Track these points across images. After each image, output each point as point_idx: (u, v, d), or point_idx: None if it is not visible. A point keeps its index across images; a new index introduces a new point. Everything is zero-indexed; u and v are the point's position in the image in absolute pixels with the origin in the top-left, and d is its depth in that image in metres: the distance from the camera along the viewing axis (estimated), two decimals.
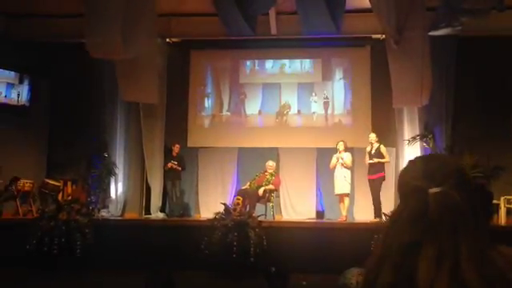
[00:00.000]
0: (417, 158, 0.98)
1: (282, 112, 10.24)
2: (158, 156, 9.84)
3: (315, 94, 10.20)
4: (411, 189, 0.91)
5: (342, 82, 10.23)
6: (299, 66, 10.37)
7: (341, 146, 8.43)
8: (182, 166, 9.47)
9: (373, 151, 8.42)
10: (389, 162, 8.42)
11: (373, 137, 8.57)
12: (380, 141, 8.53)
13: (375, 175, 8.29)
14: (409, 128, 9.38)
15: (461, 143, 9.00)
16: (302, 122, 10.20)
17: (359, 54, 10.19)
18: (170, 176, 9.50)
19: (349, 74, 10.21)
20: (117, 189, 9.86)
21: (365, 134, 9.61)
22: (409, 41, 8.01)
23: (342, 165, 8.30)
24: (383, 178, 8.25)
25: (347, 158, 8.37)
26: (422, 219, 0.87)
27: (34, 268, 6.33)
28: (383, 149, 8.40)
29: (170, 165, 9.38)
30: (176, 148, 9.65)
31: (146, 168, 9.91)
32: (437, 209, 0.87)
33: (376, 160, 8.34)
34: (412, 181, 0.92)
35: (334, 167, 8.40)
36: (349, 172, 8.33)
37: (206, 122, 10.41)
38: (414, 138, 9.09)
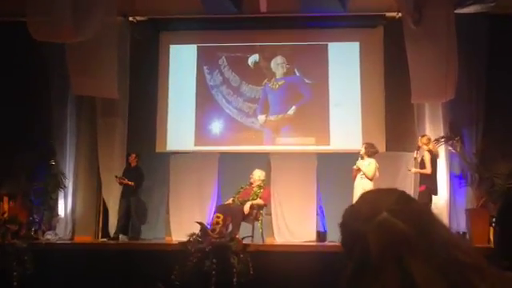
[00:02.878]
0: (350, 206, 1.11)
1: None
2: (118, 165, 9.79)
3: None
4: (351, 236, 1.02)
5: (348, 71, 10.21)
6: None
7: (362, 151, 8.45)
8: (135, 180, 9.38)
9: (420, 157, 8.50)
10: (429, 173, 8.37)
11: (419, 139, 8.61)
12: (430, 145, 8.52)
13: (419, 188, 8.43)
14: (431, 128, 9.37)
15: (494, 147, 9.05)
16: (297, 122, 10.22)
17: (370, 36, 10.19)
18: (124, 192, 9.47)
19: (357, 61, 10.20)
20: (66, 205, 9.79)
21: (377, 134, 9.73)
22: (431, 20, 8.07)
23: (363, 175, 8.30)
24: (427, 192, 8.23)
25: (367, 165, 8.27)
26: (364, 270, 0.96)
27: None
28: (426, 156, 8.40)
29: (117, 180, 9.35)
30: (132, 158, 9.58)
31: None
32: (377, 242, 0.97)
33: (414, 170, 8.44)
34: (350, 227, 1.04)
35: (355, 177, 8.42)
36: (370, 183, 8.18)
37: (180, 122, 10.35)
38: (437, 141, 9.07)
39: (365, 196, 1.10)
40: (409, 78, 8.69)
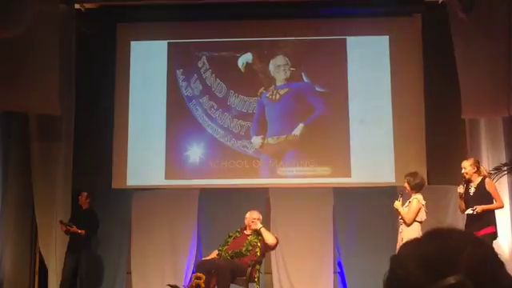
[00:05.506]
0: (410, 241, 1.16)
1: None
2: (61, 207, 9.71)
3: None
4: None
5: (374, 75, 10.21)
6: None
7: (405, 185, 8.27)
8: (87, 227, 9.29)
9: (471, 190, 8.13)
10: (503, 207, 8.24)
11: (467, 165, 8.25)
12: (482, 170, 8.25)
13: (479, 231, 7.84)
14: (489, 153, 9.31)
15: None
16: (306, 145, 10.22)
17: (403, 28, 10.26)
18: (72, 244, 9.35)
19: (386, 61, 10.19)
20: None
21: (415, 162, 9.62)
22: (486, 6, 8.34)
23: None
24: (494, 236, 7.97)
25: (411, 205, 7.96)
26: None
27: None
28: (490, 185, 8.11)
29: (62, 227, 9.29)
30: (83, 198, 9.53)
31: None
32: None
33: (480, 207, 7.95)
34: (406, 277, 1.07)
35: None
36: (415, 226, 7.89)
37: (145, 147, 10.30)
38: (498, 170, 8.94)
39: (432, 236, 1.11)
40: (457, 86, 8.77)
